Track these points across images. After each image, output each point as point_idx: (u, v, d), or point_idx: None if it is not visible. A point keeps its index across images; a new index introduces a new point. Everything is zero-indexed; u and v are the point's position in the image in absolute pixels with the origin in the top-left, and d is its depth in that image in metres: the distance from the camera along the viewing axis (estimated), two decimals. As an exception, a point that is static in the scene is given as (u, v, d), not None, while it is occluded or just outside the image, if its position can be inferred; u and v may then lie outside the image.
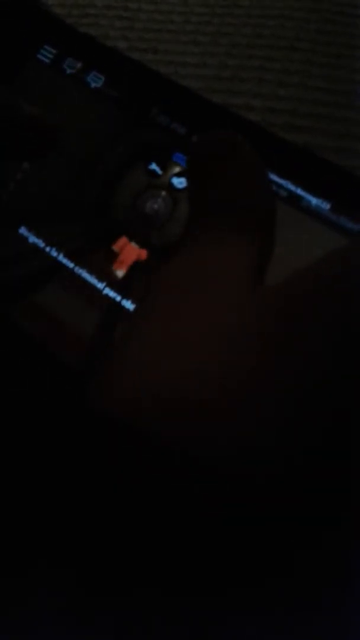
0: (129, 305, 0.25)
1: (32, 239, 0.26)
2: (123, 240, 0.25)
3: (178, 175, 0.25)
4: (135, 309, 0.24)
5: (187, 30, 0.41)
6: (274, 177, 0.23)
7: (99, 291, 0.25)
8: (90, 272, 0.25)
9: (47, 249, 0.26)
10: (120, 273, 0.25)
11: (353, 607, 0.14)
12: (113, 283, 0.25)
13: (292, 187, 0.23)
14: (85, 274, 0.25)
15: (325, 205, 0.23)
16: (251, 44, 0.38)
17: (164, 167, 0.25)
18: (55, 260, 0.26)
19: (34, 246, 0.26)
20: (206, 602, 0.13)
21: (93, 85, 0.27)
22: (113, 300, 0.25)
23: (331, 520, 0.14)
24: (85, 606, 0.12)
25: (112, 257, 0.25)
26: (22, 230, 0.26)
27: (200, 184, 0.18)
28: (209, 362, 0.14)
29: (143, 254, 0.25)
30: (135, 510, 0.13)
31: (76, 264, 0.25)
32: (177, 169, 0.25)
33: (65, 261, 0.26)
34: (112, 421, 0.14)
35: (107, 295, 0.25)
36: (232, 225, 0.17)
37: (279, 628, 0.13)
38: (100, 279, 0.25)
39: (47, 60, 0.27)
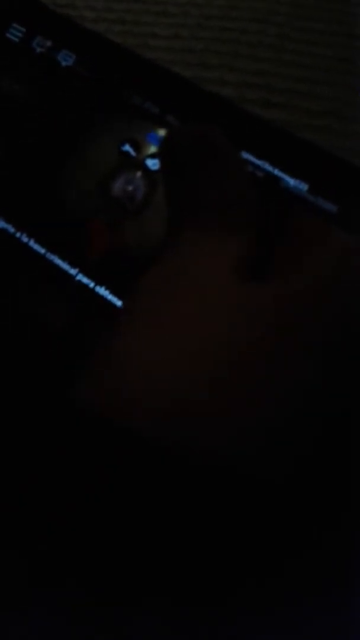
0: (102, 291, 0.24)
1: (1, 224, 0.25)
2: (95, 223, 0.24)
3: (152, 156, 0.24)
4: (123, 306, 0.23)
5: (157, 1, 0.39)
6: (251, 157, 0.23)
7: (72, 277, 0.24)
8: (63, 257, 0.24)
9: (17, 234, 0.25)
10: (93, 258, 0.24)
11: (354, 608, 0.14)
12: (86, 269, 0.24)
13: (269, 167, 0.23)
14: (57, 260, 0.24)
15: (303, 187, 0.22)
16: (224, 16, 0.37)
17: (137, 148, 0.24)
18: (25, 246, 0.25)
19: (3, 231, 0.25)
20: (210, 603, 0.13)
21: (64, 64, 0.25)
22: (87, 287, 0.24)
23: (332, 521, 0.14)
24: (87, 614, 0.12)
25: (85, 241, 0.24)
26: (-10, 215, 0.25)
27: (178, 182, 0.18)
28: (199, 361, 0.14)
29: (116, 237, 0.24)
30: (129, 511, 0.13)
31: (48, 250, 0.25)
32: (151, 150, 0.24)
33: (36, 247, 0.25)
34: (104, 421, 0.14)
35: (80, 282, 0.24)
36: (214, 222, 0.17)
37: (282, 629, 0.13)
38: (73, 265, 0.24)
39: (16, 40, 0.26)
